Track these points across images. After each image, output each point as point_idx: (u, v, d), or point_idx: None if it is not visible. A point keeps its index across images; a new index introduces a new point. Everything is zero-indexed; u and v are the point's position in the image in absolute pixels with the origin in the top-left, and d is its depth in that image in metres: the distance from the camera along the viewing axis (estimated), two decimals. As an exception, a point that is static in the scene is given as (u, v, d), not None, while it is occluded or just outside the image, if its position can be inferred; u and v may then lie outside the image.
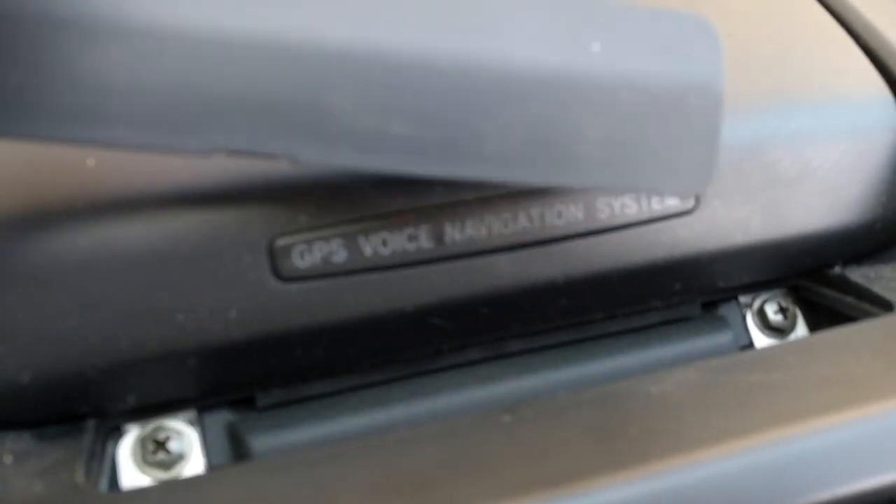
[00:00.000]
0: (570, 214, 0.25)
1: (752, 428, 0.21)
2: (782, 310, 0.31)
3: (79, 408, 0.23)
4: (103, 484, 0.23)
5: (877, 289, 0.28)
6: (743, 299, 0.31)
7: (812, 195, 0.28)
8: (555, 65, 0.21)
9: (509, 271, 0.25)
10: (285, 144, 0.20)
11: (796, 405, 0.22)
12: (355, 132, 0.20)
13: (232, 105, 0.20)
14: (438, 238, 0.24)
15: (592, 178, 0.22)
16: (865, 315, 0.28)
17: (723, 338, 0.29)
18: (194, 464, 0.25)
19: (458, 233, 0.24)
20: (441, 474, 0.21)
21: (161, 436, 0.25)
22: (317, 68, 0.20)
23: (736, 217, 0.27)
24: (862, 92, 0.30)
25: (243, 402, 0.26)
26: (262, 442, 0.25)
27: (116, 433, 0.25)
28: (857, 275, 0.29)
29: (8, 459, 0.22)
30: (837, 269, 0.29)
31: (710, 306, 0.30)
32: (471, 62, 0.20)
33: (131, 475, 0.25)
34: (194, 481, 0.22)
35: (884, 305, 0.28)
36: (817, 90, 0.29)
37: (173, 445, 0.25)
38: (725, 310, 0.30)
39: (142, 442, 0.25)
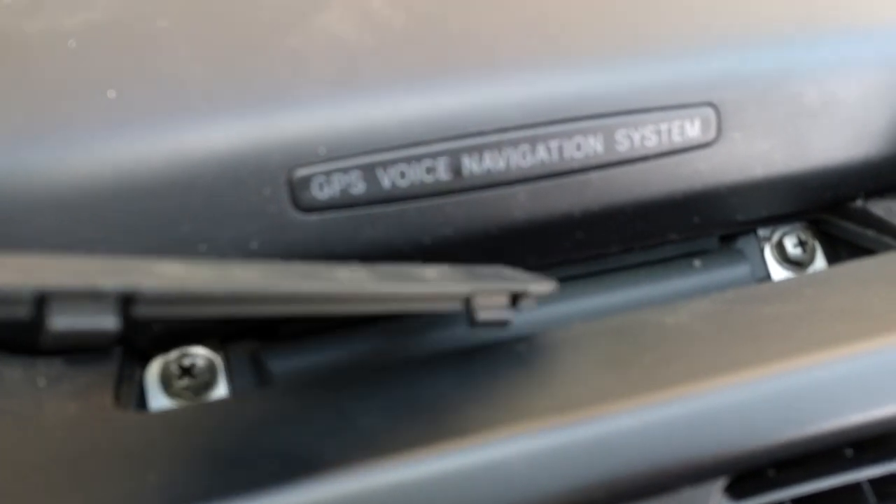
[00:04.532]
0: (589, 146, 0.25)
1: (765, 358, 0.21)
2: (801, 243, 0.30)
3: None
4: (132, 407, 0.24)
5: (899, 222, 0.28)
6: (761, 232, 0.31)
7: (837, 127, 0.28)
8: None
9: (527, 203, 0.25)
10: None
11: (811, 336, 0.22)
12: None
13: None
14: (456, 170, 0.24)
15: None
16: (886, 248, 0.28)
17: (740, 270, 0.29)
18: (218, 389, 0.26)
19: (475, 165, 0.24)
20: (456, 400, 0.21)
21: (186, 362, 0.26)
22: None
23: (758, 149, 0.27)
24: (893, 20, 0.29)
25: (266, 331, 0.27)
26: (284, 369, 0.26)
27: (143, 360, 0.26)
28: (879, 208, 0.29)
29: (41, 382, 0.23)
30: (859, 203, 0.29)
31: (727, 239, 0.30)
32: None
33: (158, 400, 0.25)
34: (219, 404, 0.23)
35: (905, 238, 0.28)
36: (847, 18, 0.28)
37: (198, 372, 0.26)
38: (743, 243, 0.30)
39: (168, 368, 0.26)
